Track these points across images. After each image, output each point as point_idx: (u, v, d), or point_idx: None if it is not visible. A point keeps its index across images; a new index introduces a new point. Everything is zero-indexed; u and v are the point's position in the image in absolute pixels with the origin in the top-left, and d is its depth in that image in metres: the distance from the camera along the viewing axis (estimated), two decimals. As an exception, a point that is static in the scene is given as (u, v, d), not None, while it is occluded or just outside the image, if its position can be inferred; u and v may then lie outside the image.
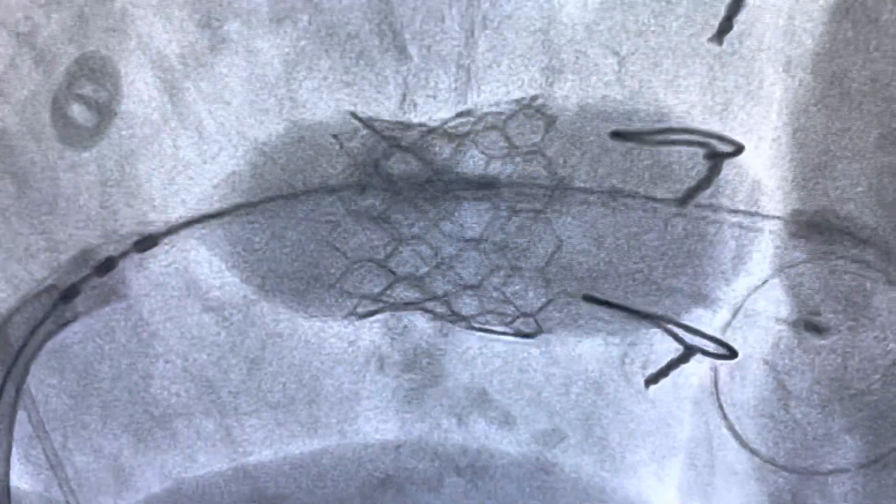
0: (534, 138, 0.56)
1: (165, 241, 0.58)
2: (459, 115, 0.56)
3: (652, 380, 0.60)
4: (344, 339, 0.61)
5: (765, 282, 0.57)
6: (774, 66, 0.54)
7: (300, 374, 0.61)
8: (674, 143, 0.56)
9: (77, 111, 0.55)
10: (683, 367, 0.59)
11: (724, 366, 0.59)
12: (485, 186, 0.57)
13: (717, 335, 0.58)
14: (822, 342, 0.57)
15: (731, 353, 0.58)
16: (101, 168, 0.57)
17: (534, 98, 0.56)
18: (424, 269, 0.59)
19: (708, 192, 0.56)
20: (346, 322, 0.60)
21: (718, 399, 0.59)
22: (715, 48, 0.54)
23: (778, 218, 0.56)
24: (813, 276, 0.56)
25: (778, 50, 0.54)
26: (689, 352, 0.59)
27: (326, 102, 0.56)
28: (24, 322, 0.58)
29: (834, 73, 0.53)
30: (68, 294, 0.58)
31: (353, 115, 0.56)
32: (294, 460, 0.63)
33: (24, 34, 0.55)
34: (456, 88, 0.55)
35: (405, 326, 0.61)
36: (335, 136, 0.56)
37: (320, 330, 0.60)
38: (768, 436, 0.59)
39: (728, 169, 0.56)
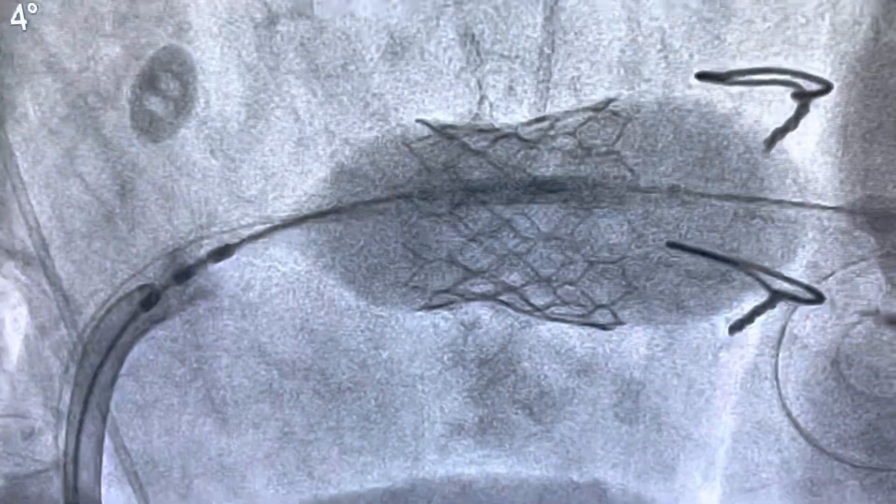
0: (608, 140, 0.56)
1: (241, 250, 0.59)
2: (535, 120, 0.56)
3: (737, 326, 0.60)
4: (417, 334, 0.61)
5: (831, 274, 0.57)
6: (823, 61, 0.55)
7: (372, 373, 0.62)
8: (760, 82, 0.55)
9: (155, 104, 0.56)
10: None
11: (786, 351, 0.59)
12: (557, 187, 0.57)
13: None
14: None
15: (818, 298, 0.58)
16: (187, 171, 0.58)
17: (610, 101, 0.56)
18: (497, 264, 0.59)
19: (773, 188, 0.57)
20: (419, 315, 0.60)
21: (777, 382, 0.59)
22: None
23: (843, 211, 0.56)
24: (877, 273, 0.57)
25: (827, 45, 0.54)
26: (774, 296, 0.58)
27: (405, 105, 0.56)
28: (112, 322, 0.59)
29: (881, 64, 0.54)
30: (149, 301, 0.59)
31: (424, 122, 0.57)
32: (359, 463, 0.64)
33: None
34: (534, 94, 0.56)
35: (478, 319, 0.61)
36: (407, 144, 0.57)
37: (395, 325, 0.61)
38: (823, 423, 0.59)
39: (789, 169, 0.56)
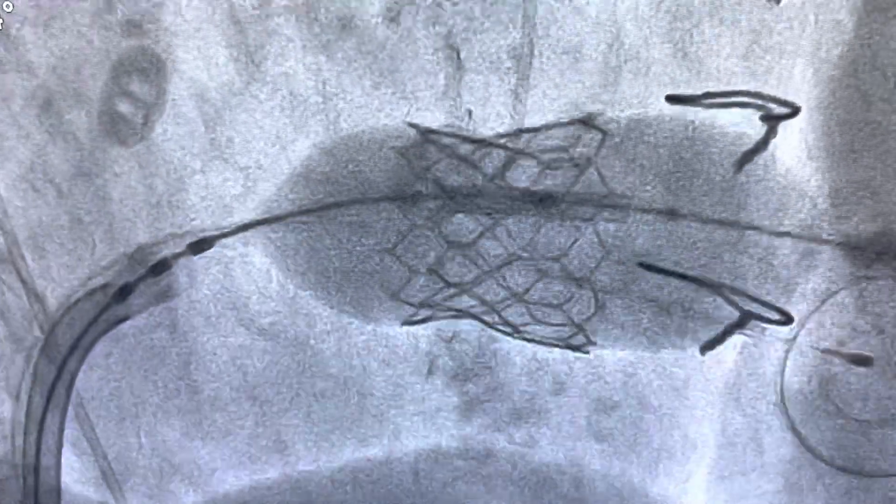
0: (587, 152, 0.57)
1: (220, 244, 0.58)
2: (515, 128, 0.57)
3: (708, 346, 0.60)
4: (394, 344, 0.61)
5: (819, 306, 0.58)
6: (804, 70, 0.56)
7: (349, 378, 0.61)
8: (729, 105, 0.56)
9: (125, 107, 0.56)
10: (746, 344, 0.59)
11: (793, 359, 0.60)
12: (536, 197, 0.58)
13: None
14: (869, 371, 0.58)
15: (787, 319, 0.58)
16: (158, 169, 0.57)
17: (590, 114, 0.56)
18: (475, 277, 0.59)
19: (765, 215, 0.57)
20: (399, 329, 0.60)
21: (782, 388, 0.60)
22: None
23: (831, 243, 0.57)
24: (872, 298, 0.58)
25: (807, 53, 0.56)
26: (745, 317, 0.58)
27: (385, 112, 0.56)
28: (77, 320, 0.58)
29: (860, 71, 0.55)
30: (123, 293, 0.58)
31: (411, 125, 0.57)
32: (340, 467, 0.63)
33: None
34: (512, 101, 0.56)
35: (455, 334, 0.61)
36: (393, 147, 0.57)
37: (372, 335, 0.60)
38: (820, 430, 0.60)
39: (784, 192, 0.57)
